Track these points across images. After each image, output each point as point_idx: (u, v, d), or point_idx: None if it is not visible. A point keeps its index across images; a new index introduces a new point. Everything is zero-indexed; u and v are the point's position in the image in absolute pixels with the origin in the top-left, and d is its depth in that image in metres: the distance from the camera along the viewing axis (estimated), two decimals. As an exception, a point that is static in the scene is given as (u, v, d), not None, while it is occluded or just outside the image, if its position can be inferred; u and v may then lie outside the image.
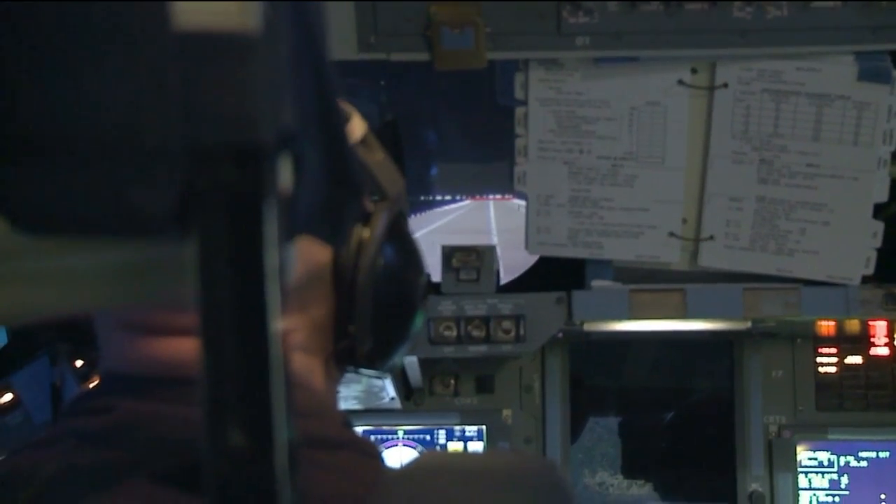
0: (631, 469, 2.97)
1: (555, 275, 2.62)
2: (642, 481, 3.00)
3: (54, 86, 0.71)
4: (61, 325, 1.67)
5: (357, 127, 1.31)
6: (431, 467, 1.17)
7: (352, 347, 1.31)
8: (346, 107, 1.28)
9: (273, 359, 0.72)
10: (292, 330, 1.28)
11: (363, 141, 1.32)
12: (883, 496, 2.79)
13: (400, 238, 1.35)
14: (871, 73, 2.30)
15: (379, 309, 1.31)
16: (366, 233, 1.29)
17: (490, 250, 2.55)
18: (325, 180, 0.90)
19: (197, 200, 0.72)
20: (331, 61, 0.86)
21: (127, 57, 0.70)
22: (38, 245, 0.76)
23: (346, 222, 1.04)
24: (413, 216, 2.89)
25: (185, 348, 1.16)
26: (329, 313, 1.30)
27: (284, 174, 0.74)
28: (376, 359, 1.35)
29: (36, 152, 0.73)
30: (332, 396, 1.38)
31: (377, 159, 1.34)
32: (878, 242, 2.43)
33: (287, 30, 0.75)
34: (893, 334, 2.75)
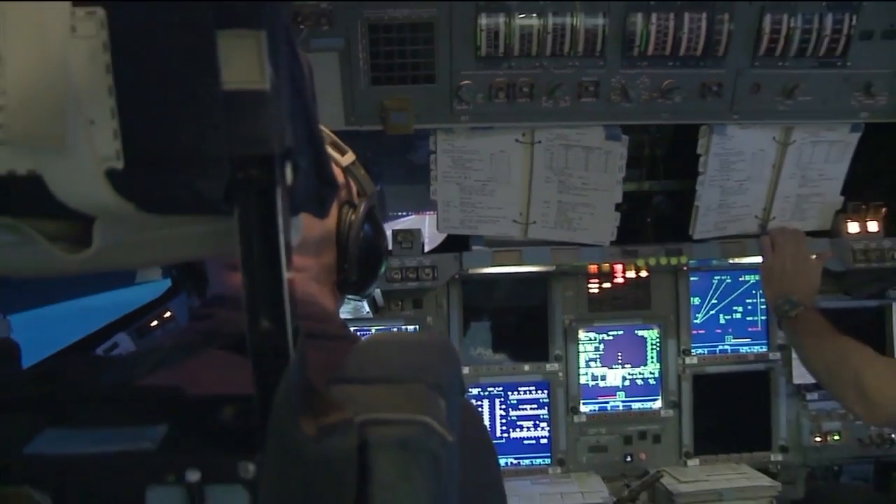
0: (495, 346, 3.25)
1: (453, 244, 3.05)
2: (501, 353, 3.26)
3: (162, 121, 0.80)
4: (188, 271, 1.63)
5: (350, 156, 1.53)
6: (378, 338, 1.24)
7: (346, 279, 1.51)
8: (344, 146, 1.53)
9: (283, 280, 0.86)
10: (310, 268, 1.46)
11: (353, 163, 1.53)
12: (619, 354, 3.28)
13: (373, 219, 1.55)
14: (611, 135, 2.75)
15: (361, 258, 1.51)
16: (353, 215, 1.48)
17: (417, 231, 2.96)
18: (312, 179, 0.97)
19: (237, 189, 0.84)
20: (315, 106, 0.96)
21: (197, 102, 0.80)
22: (157, 219, 0.89)
23: (327, 204, 1.05)
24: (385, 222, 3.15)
25: None
26: (333, 259, 1.50)
27: (288, 174, 0.86)
28: (360, 288, 1.58)
29: (149, 161, 0.81)
30: (336, 310, 1.56)
31: (362, 174, 1.54)
32: (617, 223, 2.92)
33: (286, 88, 0.84)
34: (626, 272, 3.21)
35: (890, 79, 2.73)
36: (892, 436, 3.30)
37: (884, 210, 3.11)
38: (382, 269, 1.61)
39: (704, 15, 2.54)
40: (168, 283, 2.93)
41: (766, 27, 2.58)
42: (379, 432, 0.92)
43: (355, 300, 2.94)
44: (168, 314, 2.80)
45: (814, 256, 2.92)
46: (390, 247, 2.93)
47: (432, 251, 3.07)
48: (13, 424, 0.97)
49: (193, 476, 0.87)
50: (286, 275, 0.85)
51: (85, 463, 0.91)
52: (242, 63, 0.79)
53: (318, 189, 1.01)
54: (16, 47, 0.76)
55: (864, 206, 3.13)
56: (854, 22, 2.59)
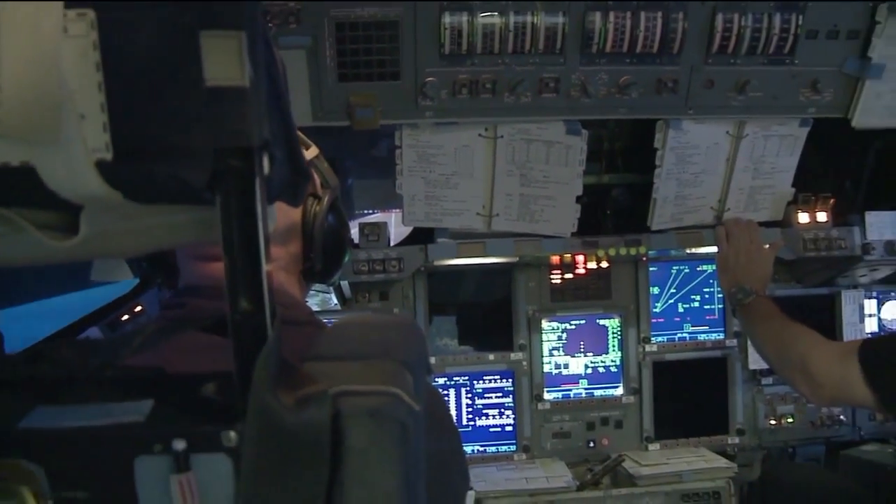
0: (460, 336, 3.35)
1: (419, 236, 3.11)
2: (466, 343, 3.34)
3: (149, 115, 0.86)
4: (160, 263, 1.72)
5: (314, 150, 1.58)
6: (349, 319, 1.29)
7: (312, 268, 1.57)
8: (308, 141, 1.56)
9: (262, 263, 0.91)
10: (279, 258, 1.50)
11: (317, 157, 1.59)
12: (581, 343, 3.38)
13: (336, 210, 1.60)
14: (572, 130, 2.85)
15: (326, 248, 1.56)
16: (318, 206, 1.54)
17: (384, 224, 3.04)
18: (287, 169, 1.02)
19: (219, 179, 0.88)
20: (289, 101, 1.02)
21: (181, 98, 0.85)
22: (142, 208, 0.92)
23: (300, 193, 1.11)
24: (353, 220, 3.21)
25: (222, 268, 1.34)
26: (299, 249, 1.55)
27: (265, 164, 0.90)
28: (324, 276, 1.63)
29: (136, 153, 0.87)
30: (302, 297, 1.62)
31: (325, 167, 1.60)
32: (578, 215, 3.02)
33: (264, 84, 0.89)
34: (587, 263, 3.27)
35: (834, 76, 2.85)
36: (842, 417, 3.44)
37: (832, 201, 3.24)
38: (346, 259, 1.67)
39: (660, 14, 2.63)
40: (125, 284, 2.95)
41: (718, 26, 2.68)
42: (351, 402, 0.98)
43: (321, 289, 2.98)
44: (139, 308, 2.84)
45: (766, 246, 3.02)
46: (357, 240, 3.00)
47: (399, 244, 3.15)
48: (6, 402, 1.02)
49: (179, 445, 0.94)
50: (265, 258, 0.91)
51: (76, 436, 0.97)
52: (224, 61, 0.85)
53: (292, 179, 1.06)
54: (11, 46, 0.81)
55: (813, 198, 3.26)
56: (800, 22, 2.70)
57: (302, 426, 0.94)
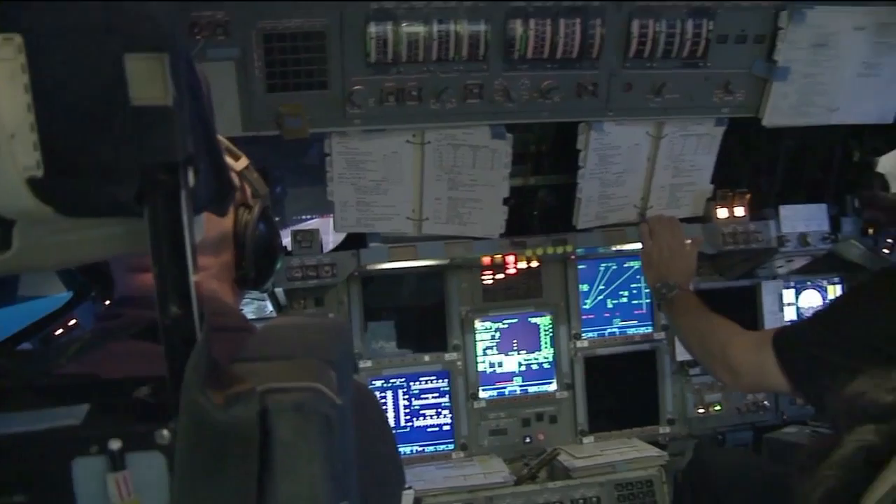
0: (396, 339, 3.40)
1: (352, 242, 3.18)
2: (402, 346, 3.40)
3: (78, 134, 0.90)
4: (95, 276, 1.76)
5: (243, 161, 1.62)
6: (277, 322, 1.40)
7: (245, 276, 1.63)
8: (238, 152, 1.61)
9: (190, 271, 0.96)
10: (210, 267, 1.55)
11: (247, 167, 1.62)
12: (514, 341, 3.46)
13: (267, 218, 1.65)
14: (497, 134, 2.95)
15: (257, 255, 1.62)
16: (249, 215, 1.60)
17: (316, 231, 3.06)
18: (212, 181, 1.07)
19: (147, 193, 0.93)
20: (212, 116, 1.08)
21: (109, 117, 0.90)
22: (72, 222, 0.96)
23: (226, 203, 1.17)
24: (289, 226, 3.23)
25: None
26: (231, 258, 1.60)
27: (190, 178, 0.95)
28: (257, 283, 1.69)
29: (66, 170, 0.92)
30: (236, 304, 1.68)
31: (255, 177, 1.64)
32: (505, 216, 3.12)
33: (187, 102, 0.94)
34: (517, 263, 3.32)
35: (745, 78, 3.01)
36: (766, 403, 3.60)
37: (748, 196, 3.39)
38: (279, 266, 1.72)
39: (578, 21, 2.74)
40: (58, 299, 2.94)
41: (634, 32, 2.81)
42: (277, 398, 1.03)
43: (257, 297, 3.01)
44: (73, 322, 2.81)
45: (689, 242, 3.16)
46: (290, 247, 3.03)
47: (333, 250, 3.19)
48: None
49: (115, 444, 0.99)
50: (192, 266, 0.97)
51: (13, 442, 1.01)
52: (148, 82, 0.91)
53: (218, 190, 1.13)
54: None
55: (731, 193, 3.40)
56: (711, 27, 2.85)
57: (231, 423, 1.00)
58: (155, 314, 0.97)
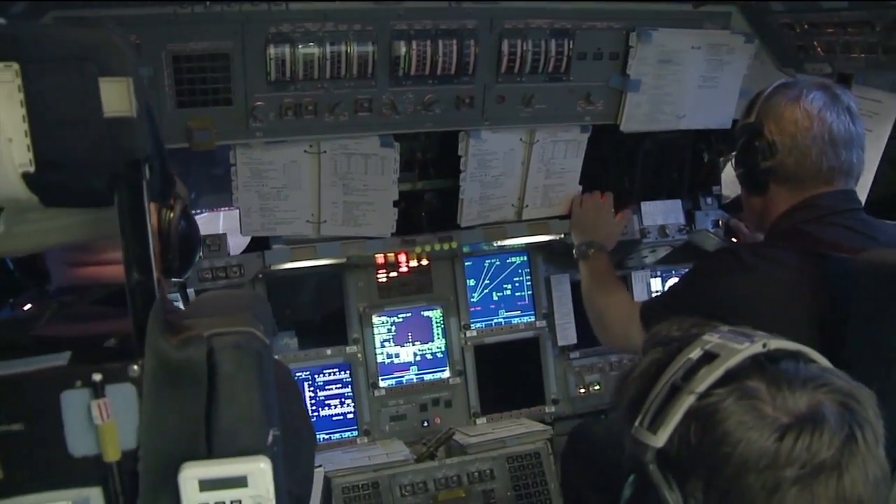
0: (299, 335, 3.60)
1: (257, 245, 3.38)
2: (305, 341, 3.60)
3: (65, 138, 1.17)
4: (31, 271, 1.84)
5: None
6: (210, 293, 1.75)
7: (169, 266, 1.85)
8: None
9: (149, 245, 1.27)
10: None
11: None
12: (409, 333, 3.75)
13: (187, 216, 1.89)
14: (385, 143, 3.22)
15: (180, 248, 1.85)
16: (171, 213, 1.79)
17: (223, 235, 3.28)
18: (159, 176, 1.34)
19: (117, 183, 1.21)
20: (160, 130, 1.35)
21: (87, 125, 1.17)
22: (52, 211, 1.22)
23: (168, 195, 1.47)
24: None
25: (91, 272, 1.71)
26: (157, 251, 1.64)
27: (147, 172, 1.25)
28: (181, 271, 1.96)
29: (53, 166, 1.17)
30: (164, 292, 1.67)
31: (177, 182, 1.84)
32: (395, 217, 3.39)
33: (144, 114, 1.22)
34: (409, 261, 3.66)
35: (603, 90, 3.43)
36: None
37: (611, 195, 3.79)
38: (197, 257, 2.01)
39: (455, 42, 3.09)
40: None
41: (504, 50, 3.18)
42: (220, 340, 1.36)
43: (175, 289, 3.19)
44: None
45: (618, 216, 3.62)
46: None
47: (241, 253, 3.41)
48: None
49: (97, 377, 1.31)
50: (151, 239, 1.30)
51: (9, 380, 1.30)
52: (117, 98, 1.21)
53: (163, 184, 1.46)
54: None
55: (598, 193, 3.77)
56: (571, 46, 3.25)
57: (185, 360, 1.32)
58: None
